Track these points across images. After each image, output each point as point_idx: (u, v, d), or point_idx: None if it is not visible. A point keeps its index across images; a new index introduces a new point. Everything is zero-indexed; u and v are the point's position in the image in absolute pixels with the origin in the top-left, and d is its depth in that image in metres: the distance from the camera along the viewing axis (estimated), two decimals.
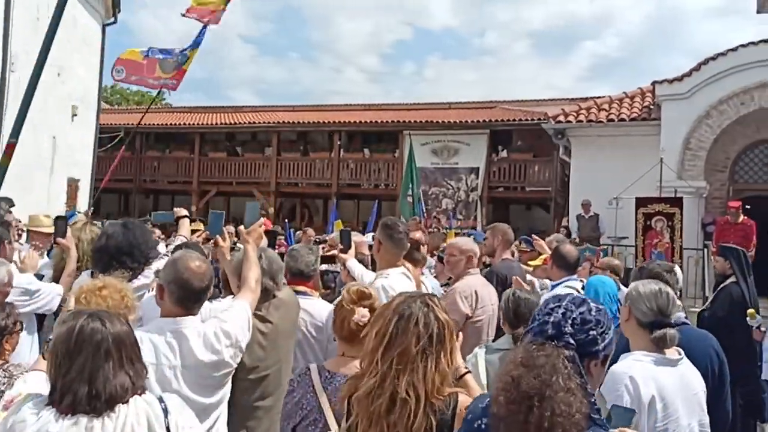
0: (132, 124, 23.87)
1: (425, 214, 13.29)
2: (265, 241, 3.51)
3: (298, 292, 3.26)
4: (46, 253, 4.90)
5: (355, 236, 5.18)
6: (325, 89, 76.90)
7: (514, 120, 18.64)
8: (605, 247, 10.17)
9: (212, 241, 3.33)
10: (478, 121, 18.87)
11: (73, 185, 15.76)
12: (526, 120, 18.24)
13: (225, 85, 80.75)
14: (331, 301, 3.53)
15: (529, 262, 5.18)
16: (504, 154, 19.26)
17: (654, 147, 12.17)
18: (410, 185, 10.50)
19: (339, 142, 21.07)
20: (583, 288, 3.97)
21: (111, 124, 23.69)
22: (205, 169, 22.57)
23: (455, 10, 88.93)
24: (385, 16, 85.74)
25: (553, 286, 4.02)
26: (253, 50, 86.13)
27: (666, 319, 2.41)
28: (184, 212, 3.56)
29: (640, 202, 10.27)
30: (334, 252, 3.98)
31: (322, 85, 77.65)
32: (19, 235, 5.79)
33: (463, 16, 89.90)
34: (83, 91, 15.89)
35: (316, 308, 3.32)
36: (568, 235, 11.55)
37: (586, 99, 19.66)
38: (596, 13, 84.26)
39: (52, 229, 4.19)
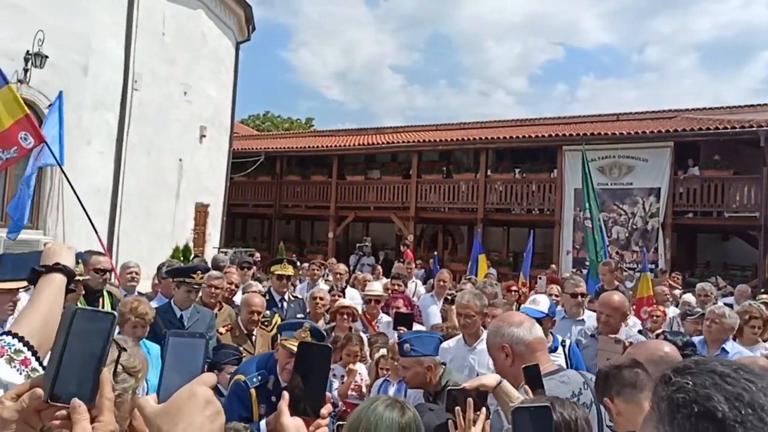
0: (272, 148, 23.55)
1: (608, 248, 10.35)
2: None
3: None
4: None
5: None
6: (472, 113, 74.96)
7: (709, 129, 14.93)
8: None
9: None
10: (660, 131, 15.42)
11: (202, 211, 14.87)
12: (727, 129, 14.54)
13: (375, 115, 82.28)
14: None
15: None
16: (695, 171, 15.57)
17: None
18: (587, 206, 7.78)
19: (486, 162, 18.62)
20: None
21: (254, 148, 23.44)
22: (343, 194, 21.32)
23: (610, 26, 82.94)
24: (534, 36, 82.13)
25: None
26: (402, 80, 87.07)
27: None
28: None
29: None
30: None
31: (469, 110, 75.63)
32: None
33: (620, 32, 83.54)
34: (214, 112, 15.03)
35: None
36: None
37: None
38: None
39: None
